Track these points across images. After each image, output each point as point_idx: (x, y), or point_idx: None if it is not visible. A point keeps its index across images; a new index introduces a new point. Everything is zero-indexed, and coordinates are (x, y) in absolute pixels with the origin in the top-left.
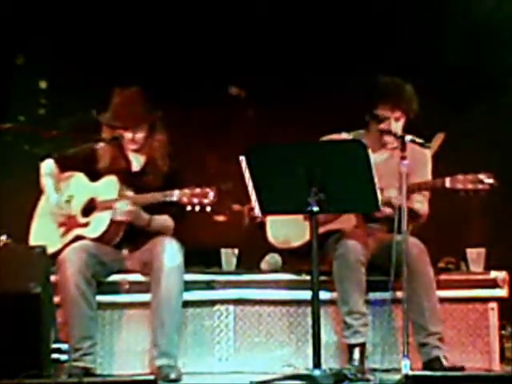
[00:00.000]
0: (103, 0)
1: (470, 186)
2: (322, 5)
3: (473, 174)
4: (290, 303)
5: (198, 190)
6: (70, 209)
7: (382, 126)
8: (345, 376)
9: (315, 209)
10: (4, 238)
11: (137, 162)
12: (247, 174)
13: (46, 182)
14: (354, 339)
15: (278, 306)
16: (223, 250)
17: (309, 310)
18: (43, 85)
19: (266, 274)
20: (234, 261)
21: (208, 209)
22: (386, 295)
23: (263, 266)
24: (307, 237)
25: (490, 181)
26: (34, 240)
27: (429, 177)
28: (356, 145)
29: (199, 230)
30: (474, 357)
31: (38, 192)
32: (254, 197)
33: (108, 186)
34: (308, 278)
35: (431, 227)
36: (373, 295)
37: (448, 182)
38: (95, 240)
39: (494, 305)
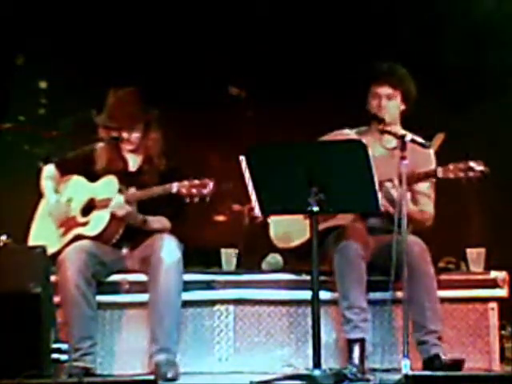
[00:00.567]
0: (103, 0)
1: (461, 175)
2: (321, 5)
3: (463, 162)
4: (290, 303)
5: (196, 181)
6: (69, 210)
7: (374, 103)
8: (345, 376)
9: (315, 209)
10: (4, 237)
11: (133, 162)
12: (247, 174)
13: (46, 184)
14: (354, 334)
15: (278, 306)
16: (223, 250)
17: (309, 310)
18: (43, 85)
19: (266, 274)
20: (234, 261)
21: (207, 199)
22: (386, 295)
23: (264, 266)
24: (308, 235)
25: (481, 168)
26: (33, 241)
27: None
28: (356, 145)
29: (199, 229)
30: (474, 357)
31: (38, 192)
32: (253, 197)
33: (107, 186)
34: (308, 278)
35: (431, 227)
36: (373, 295)
37: (440, 172)
38: (95, 238)
39: (494, 305)
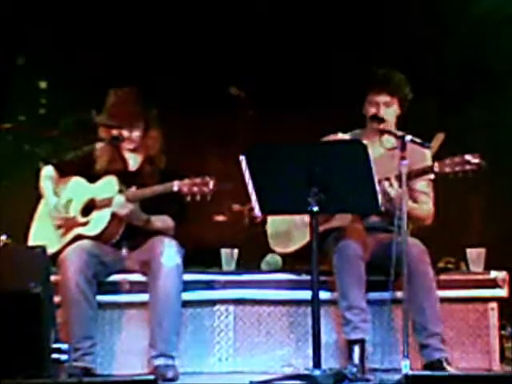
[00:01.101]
0: (104, 0)
1: (457, 168)
2: (322, 5)
3: (459, 155)
4: (289, 303)
5: (197, 179)
6: (69, 211)
7: (372, 110)
8: (345, 376)
9: (315, 209)
10: (4, 237)
11: (133, 162)
12: (247, 174)
13: (46, 185)
14: (354, 335)
15: (278, 306)
16: (223, 250)
17: (309, 309)
18: (43, 85)
19: (265, 274)
20: (234, 261)
21: (208, 197)
22: (386, 295)
23: (263, 266)
24: (306, 239)
25: (477, 161)
26: (33, 241)
27: (430, 176)
28: (356, 145)
29: (199, 229)
30: (473, 357)
31: (38, 193)
32: (253, 197)
33: (107, 186)
34: (308, 278)
35: (431, 227)
36: (372, 295)
37: (436, 167)
38: (95, 238)
39: (494, 305)
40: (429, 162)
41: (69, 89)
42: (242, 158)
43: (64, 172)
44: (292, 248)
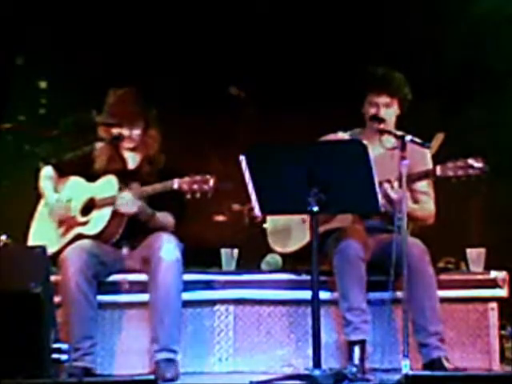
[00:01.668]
0: (104, 0)
1: (460, 173)
2: (322, 5)
3: (462, 159)
4: (289, 303)
5: (198, 177)
6: (69, 209)
7: (371, 110)
8: (345, 376)
9: (315, 209)
10: (4, 237)
11: (133, 161)
12: (247, 174)
13: (45, 184)
14: (355, 336)
15: (278, 306)
16: (223, 250)
17: (309, 310)
18: (43, 85)
19: (265, 274)
20: (234, 261)
21: (209, 195)
22: (386, 295)
23: (263, 265)
24: (306, 239)
25: (480, 165)
26: (33, 241)
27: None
28: (356, 145)
29: (199, 229)
30: (473, 357)
31: (38, 193)
32: (253, 197)
33: (107, 186)
34: (308, 278)
35: (431, 227)
36: (372, 295)
37: (439, 170)
38: (95, 237)
39: (494, 305)
40: (429, 162)
41: (69, 89)
42: (242, 158)
43: (63, 172)
44: (291, 247)
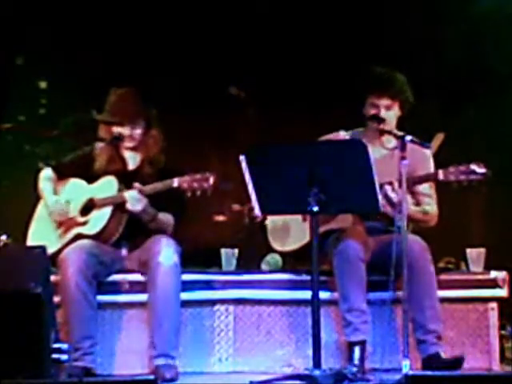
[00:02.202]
0: (104, 0)
1: (462, 177)
2: (322, 4)
3: (465, 164)
4: (289, 303)
5: (198, 175)
6: (68, 211)
7: (372, 112)
8: (345, 376)
9: (315, 209)
10: (4, 237)
11: (133, 162)
12: (247, 174)
13: (44, 186)
14: (355, 337)
15: (278, 306)
16: (223, 250)
17: (309, 310)
18: (43, 85)
19: (265, 274)
20: (234, 261)
21: (209, 193)
22: (386, 295)
23: (263, 265)
24: (306, 239)
25: (483, 170)
26: (32, 242)
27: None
28: (356, 145)
29: (199, 229)
30: (473, 357)
31: (38, 194)
32: (253, 197)
33: (107, 186)
34: (308, 278)
35: (431, 227)
36: (373, 295)
37: (441, 175)
38: (95, 237)
39: (494, 305)
40: (430, 163)
41: (69, 89)
42: (242, 158)
43: (63, 174)
44: (290, 246)
